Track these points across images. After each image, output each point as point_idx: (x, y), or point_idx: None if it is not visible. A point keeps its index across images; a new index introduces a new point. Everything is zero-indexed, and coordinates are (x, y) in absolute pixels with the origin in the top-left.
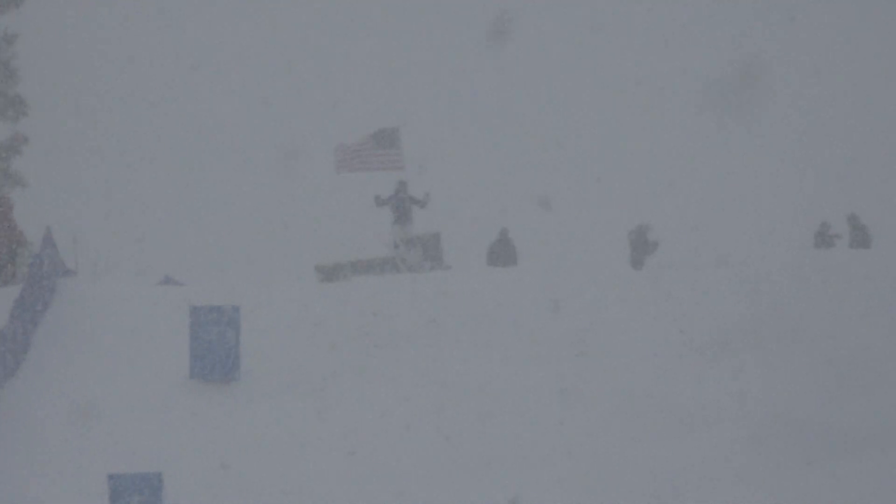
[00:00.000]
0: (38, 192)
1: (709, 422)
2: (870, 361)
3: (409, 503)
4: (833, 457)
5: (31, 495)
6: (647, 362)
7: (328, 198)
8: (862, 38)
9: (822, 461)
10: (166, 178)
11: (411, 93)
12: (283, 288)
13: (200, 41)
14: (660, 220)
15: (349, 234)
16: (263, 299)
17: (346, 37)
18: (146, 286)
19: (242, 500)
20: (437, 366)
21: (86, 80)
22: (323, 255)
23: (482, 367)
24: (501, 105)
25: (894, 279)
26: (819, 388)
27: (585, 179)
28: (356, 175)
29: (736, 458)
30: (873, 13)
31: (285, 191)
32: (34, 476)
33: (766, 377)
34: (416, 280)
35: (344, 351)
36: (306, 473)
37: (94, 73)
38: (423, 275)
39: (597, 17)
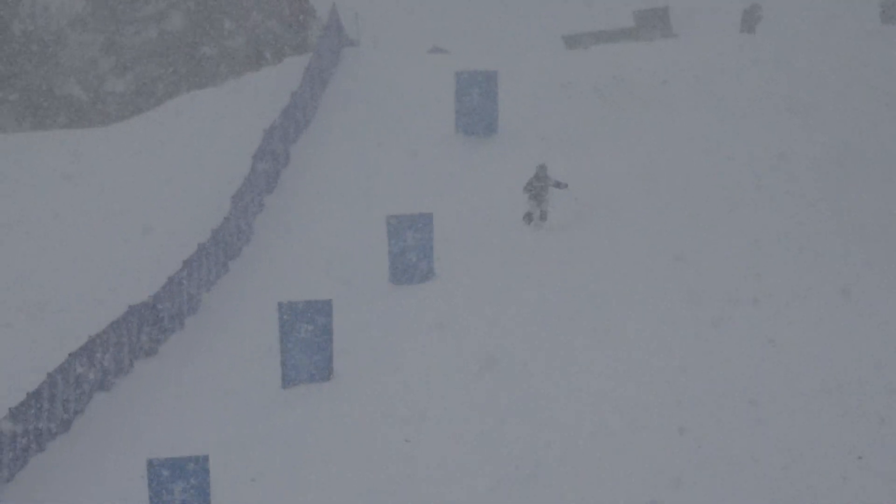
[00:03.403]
0: None
1: None
2: None
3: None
4: None
5: (319, 212)
6: (858, 118)
7: None
8: None
9: None
10: None
11: None
12: (534, 55)
13: None
14: None
15: (592, 8)
16: (518, 65)
17: None
18: (417, 54)
19: (492, 240)
20: (669, 122)
21: None
22: (569, 27)
23: (709, 126)
24: None
25: None
26: None
27: None
28: None
29: None
30: None
31: None
32: (322, 206)
33: None
34: (650, 47)
35: (588, 111)
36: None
37: None
38: (656, 42)
39: None
